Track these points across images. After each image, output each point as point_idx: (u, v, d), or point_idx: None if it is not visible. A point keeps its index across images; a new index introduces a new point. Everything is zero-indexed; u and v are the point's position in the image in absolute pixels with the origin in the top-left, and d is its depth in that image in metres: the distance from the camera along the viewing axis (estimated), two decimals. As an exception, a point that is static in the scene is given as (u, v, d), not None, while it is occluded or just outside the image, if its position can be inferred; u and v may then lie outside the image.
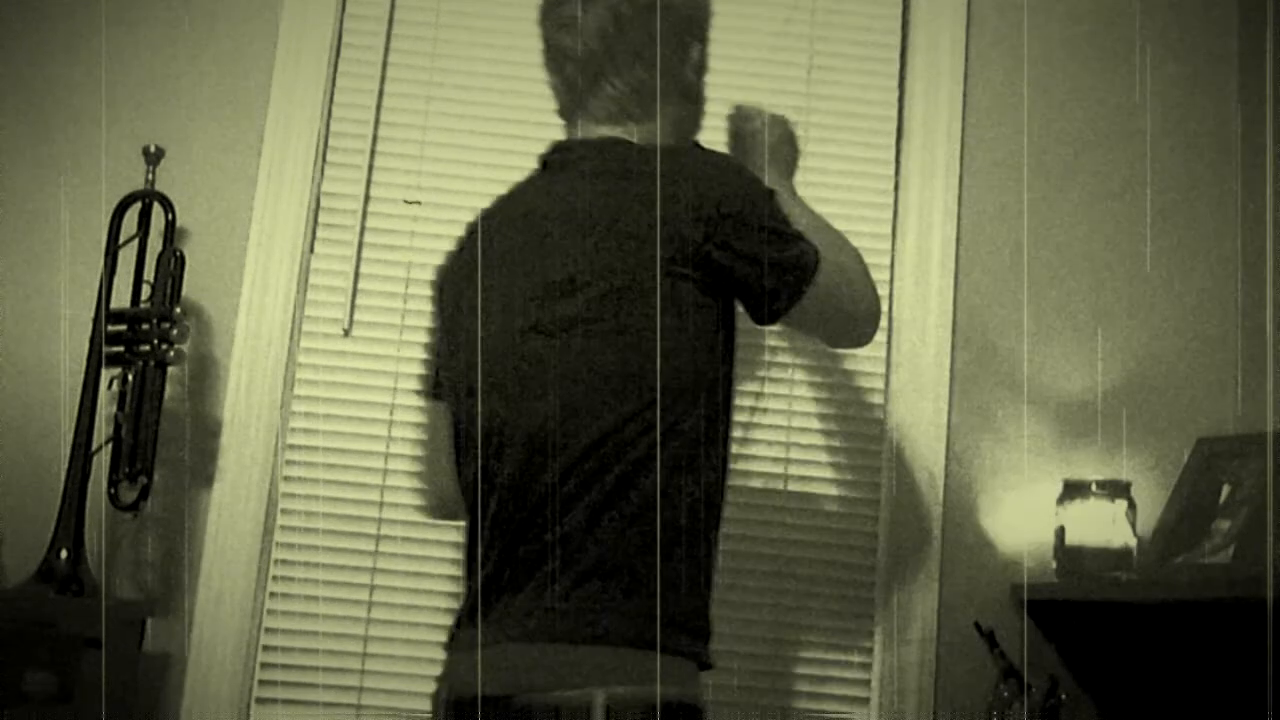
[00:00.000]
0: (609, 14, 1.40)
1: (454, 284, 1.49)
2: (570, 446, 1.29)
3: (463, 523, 1.49)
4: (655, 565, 1.27)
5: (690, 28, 1.47)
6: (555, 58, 1.45)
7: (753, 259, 1.34)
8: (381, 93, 2.20)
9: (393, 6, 2.23)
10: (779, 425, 2.11)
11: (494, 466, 1.36)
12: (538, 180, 1.46)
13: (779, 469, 2.09)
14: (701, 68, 1.51)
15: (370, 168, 2.16)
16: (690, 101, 1.49)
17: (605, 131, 1.42)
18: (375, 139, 2.17)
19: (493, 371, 1.37)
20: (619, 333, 1.29)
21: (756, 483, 2.09)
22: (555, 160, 1.44)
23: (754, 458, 2.09)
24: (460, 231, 1.56)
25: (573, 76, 1.43)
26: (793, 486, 2.09)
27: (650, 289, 1.29)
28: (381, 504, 2.05)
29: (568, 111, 1.47)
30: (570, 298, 1.31)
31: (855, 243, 2.13)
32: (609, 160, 1.38)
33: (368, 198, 2.15)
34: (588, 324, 1.30)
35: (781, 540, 2.07)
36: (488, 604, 1.32)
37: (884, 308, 1.58)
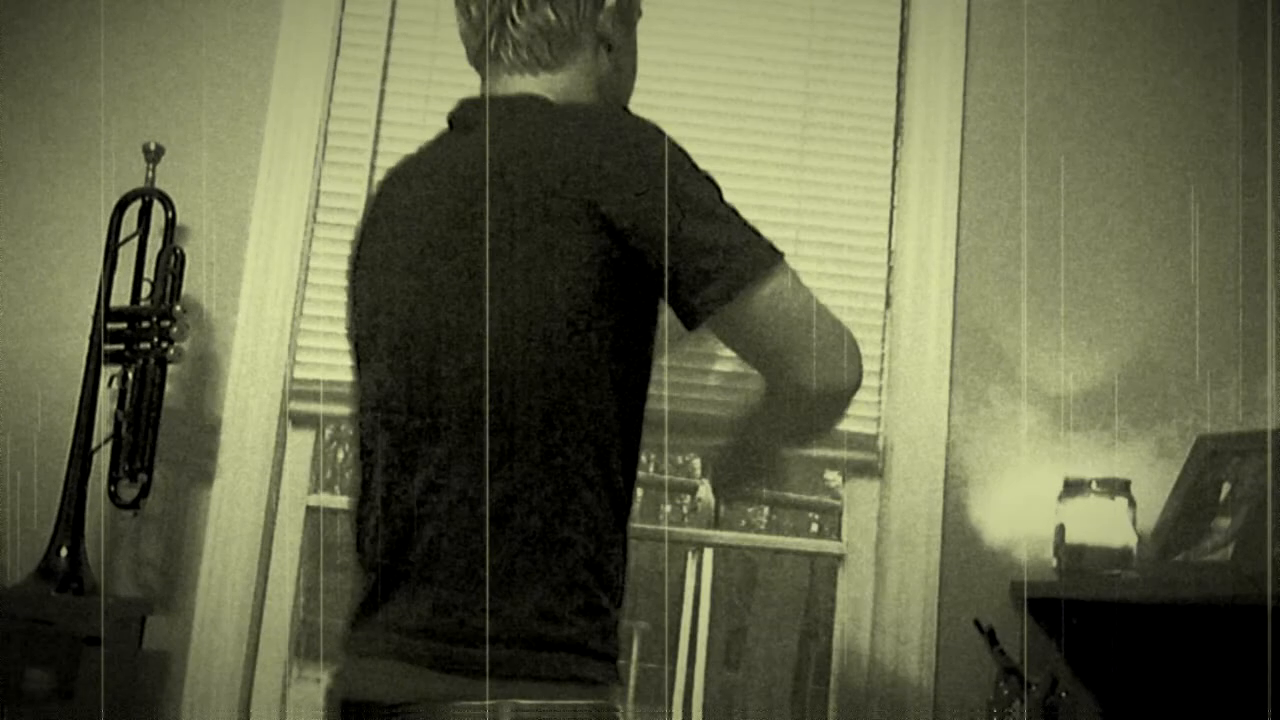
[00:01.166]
0: None
1: (356, 245, 1.41)
2: (458, 442, 1.19)
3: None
4: (563, 585, 1.17)
5: None
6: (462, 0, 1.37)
7: (683, 241, 1.17)
8: (382, 92, 2.20)
9: (393, 6, 2.23)
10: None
11: (377, 443, 1.27)
12: (445, 140, 1.35)
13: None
14: (624, 17, 1.39)
15: (371, 167, 2.17)
16: (611, 53, 1.38)
17: (518, 84, 1.33)
18: (376, 138, 2.18)
19: (380, 336, 1.28)
20: (514, 317, 1.17)
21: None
22: (462, 118, 1.34)
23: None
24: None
25: (478, 18, 1.34)
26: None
27: (553, 268, 1.16)
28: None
29: (477, 60, 1.37)
30: (463, 268, 1.20)
31: (854, 241, 2.17)
32: (520, 119, 1.25)
33: (368, 196, 2.15)
34: (474, 309, 1.19)
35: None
36: (385, 599, 1.23)
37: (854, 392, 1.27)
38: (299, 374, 2.10)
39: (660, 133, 1.22)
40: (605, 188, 1.17)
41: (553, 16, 1.32)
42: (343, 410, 2.08)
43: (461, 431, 1.19)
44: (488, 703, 1.13)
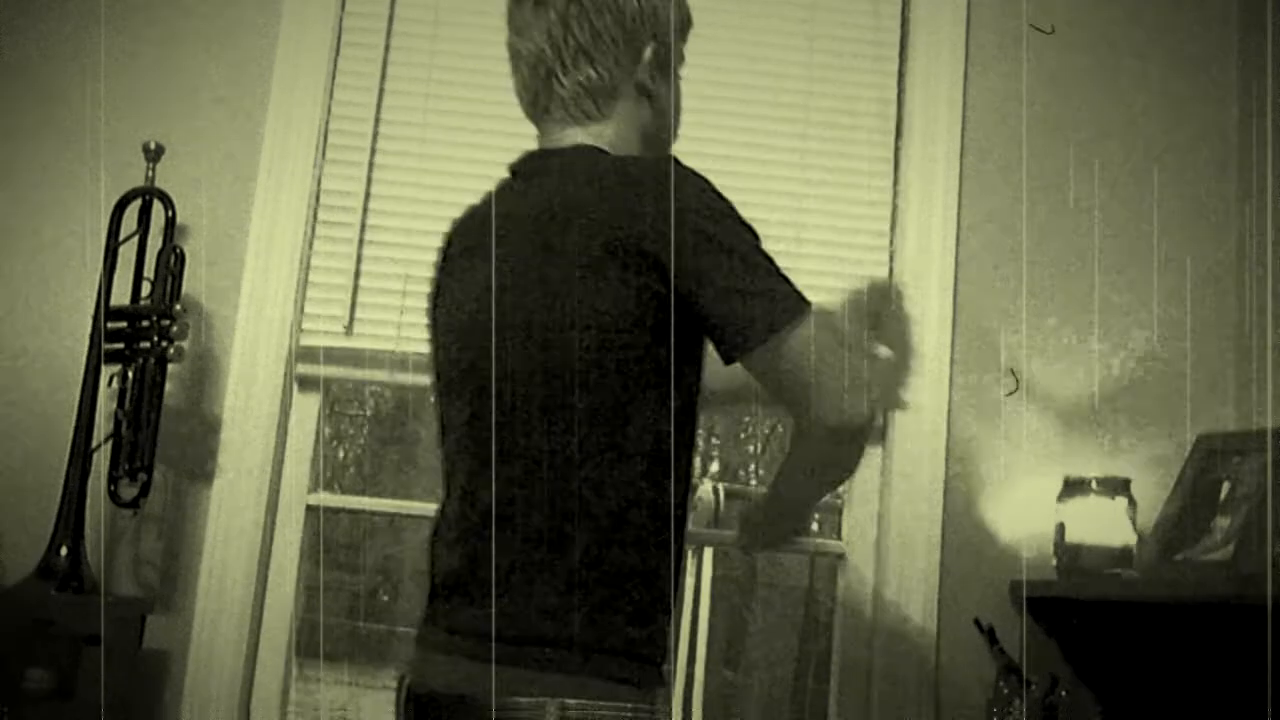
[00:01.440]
0: (555, 15, 1.42)
1: (433, 286, 1.54)
2: (522, 462, 1.30)
3: None
4: (611, 591, 1.28)
5: (642, 28, 1.45)
6: (514, 60, 1.48)
7: (723, 288, 1.28)
8: (382, 90, 2.20)
9: (392, 6, 2.23)
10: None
11: (455, 466, 1.41)
12: (506, 187, 1.47)
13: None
14: (661, 69, 1.49)
15: (370, 165, 2.17)
16: (650, 102, 1.48)
17: (570, 136, 1.44)
18: (375, 136, 2.18)
19: (458, 372, 1.41)
20: (568, 346, 1.29)
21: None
22: (524, 169, 1.46)
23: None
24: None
25: (527, 78, 1.46)
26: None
27: (612, 304, 1.28)
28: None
29: (531, 115, 1.49)
30: (531, 304, 1.32)
31: (855, 239, 2.17)
32: (579, 168, 1.37)
33: (368, 195, 2.16)
34: (535, 330, 1.31)
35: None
36: (450, 601, 1.35)
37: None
38: (300, 372, 2.10)
39: (707, 185, 1.33)
40: (655, 235, 1.27)
41: (593, 74, 1.43)
42: (344, 410, 2.08)
43: (527, 456, 1.30)
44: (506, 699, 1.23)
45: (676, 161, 1.33)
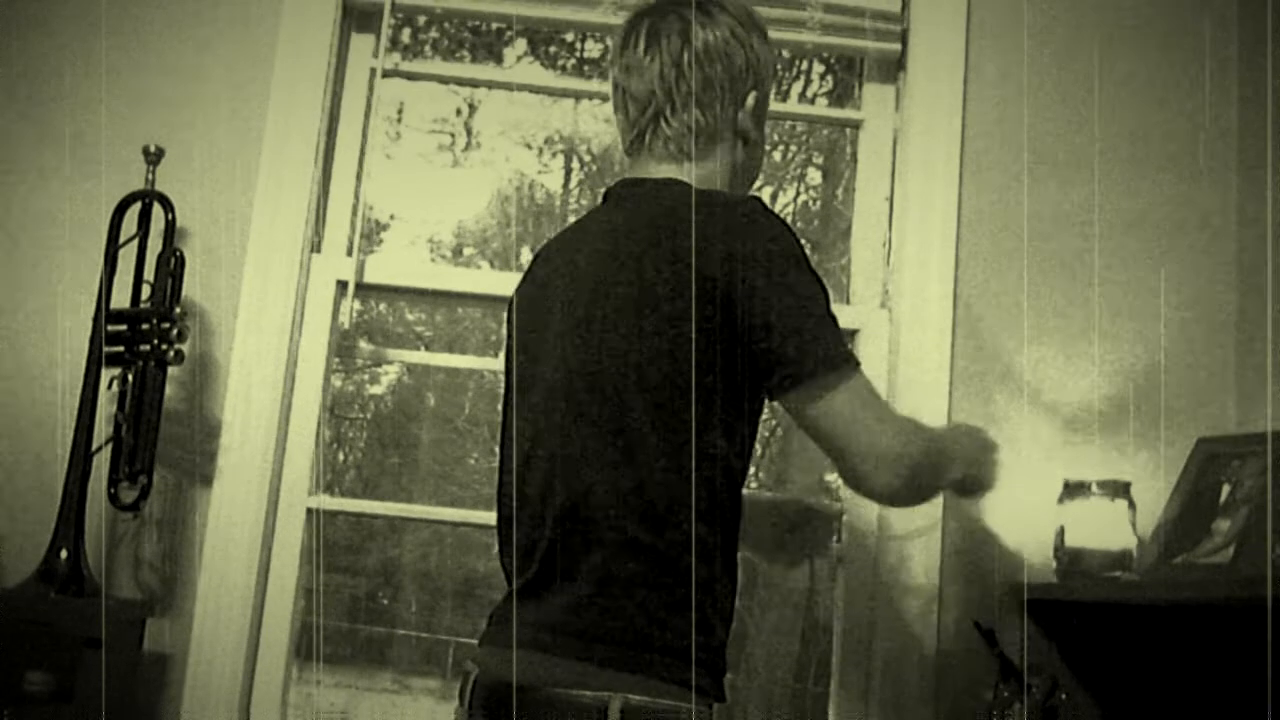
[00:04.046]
0: (669, 60, 1.49)
1: (512, 304, 1.61)
2: (594, 469, 1.36)
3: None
4: (679, 598, 1.34)
5: (747, 77, 1.53)
6: (620, 99, 1.54)
7: (778, 328, 1.34)
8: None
9: (392, 7, 2.23)
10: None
11: (524, 472, 1.46)
12: (600, 212, 1.54)
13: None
14: (759, 115, 1.57)
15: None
16: (746, 145, 1.55)
17: (665, 171, 1.50)
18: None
19: (538, 375, 1.46)
20: (644, 365, 1.35)
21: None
22: (618, 194, 1.53)
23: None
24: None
25: (635, 117, 1.52)
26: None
27: (677, 333, 1.34)
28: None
29: (631, 149, 1.55)
30: (599, 328, 1.39)
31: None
32: (666, 196, 1.44)
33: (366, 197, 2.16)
34: (612, 352, 1.37)
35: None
36: (522, 600, 1.42)
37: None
38: (300, 375, 2.10)
39: (785, 230, 1.39)
40: (728, 268, 1.33)
41: (701, 118, 1.50)
42: (344, 413, 2.07)
43: (598, 465, 1.36)
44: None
45: (760, 202, 1.40)
